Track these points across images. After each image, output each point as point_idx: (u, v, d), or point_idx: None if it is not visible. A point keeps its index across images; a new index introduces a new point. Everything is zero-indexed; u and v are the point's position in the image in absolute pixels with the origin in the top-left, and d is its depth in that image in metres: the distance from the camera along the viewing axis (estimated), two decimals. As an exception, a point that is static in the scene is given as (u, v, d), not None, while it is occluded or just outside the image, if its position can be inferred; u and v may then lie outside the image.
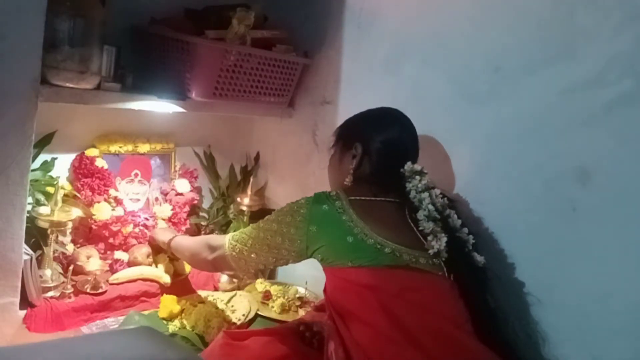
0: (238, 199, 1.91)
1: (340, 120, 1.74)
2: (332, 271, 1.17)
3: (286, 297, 1.69)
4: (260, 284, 1.77)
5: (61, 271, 1.48)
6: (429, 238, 1.15)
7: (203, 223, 1.93)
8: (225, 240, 1.31)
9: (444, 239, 1.14)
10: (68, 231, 1.51)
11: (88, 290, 1.47)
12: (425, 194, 1.20)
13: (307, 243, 1.17)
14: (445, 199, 1.23)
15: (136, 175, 1.75)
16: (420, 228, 1.16)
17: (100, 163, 1.64)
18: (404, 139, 1.29)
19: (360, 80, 1.69)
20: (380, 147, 1.26)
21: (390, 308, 1.08)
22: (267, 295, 1.70)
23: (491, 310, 1.19)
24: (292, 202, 1.24)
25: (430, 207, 1.18)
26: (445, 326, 1.07)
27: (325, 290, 1.23)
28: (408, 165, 1.24)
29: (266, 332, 1.31)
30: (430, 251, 1.13)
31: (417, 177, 1.22)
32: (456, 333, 1.07)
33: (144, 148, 1.78)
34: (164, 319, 1.49)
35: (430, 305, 1.09)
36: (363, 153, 1.27)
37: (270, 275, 1.93)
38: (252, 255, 1.24)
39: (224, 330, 1.33)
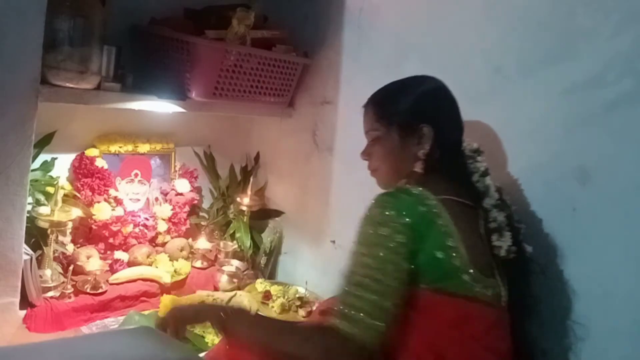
0: (238, 199, 1.91)
1: (340, 120, 1.76)
2: None
3: (286, 297, 1.69)
4: (260, 284, 1.77)
5: (61, 271, 1.48)
6: (494, 237, 1.03)
7: (203, 223, 1.93)
8: (335, 320, 0.91)
9: (509, 236, 1.04)
10: (68, 231, 1.51)
11: (88, 290, 1.48)
12: (489, 178, 1.07)
13: (412, 257, 0.94)
14: (498, 184, 1.12)
15: (136, 175, 1.75)
16: (490, 226, 1.03)
17: (100, 163, 1.64)
18: (459, 113, 1.14)
19: (360, 80, 1.69)
20: (450, 125, 1.11)
21: (439, 346, 0.94)
22: (267, 296, 1.70)
23: (531, 342, 1.11)
24: (371, 215, 0.97)
25: (496, 195, 1.06)
26: (489, 358, 0.97)
27: None
28: (468, 143, 1.11)
29: None
30: (497, 251, 1.03)
31: (479, 157, 1.10)
32: None
33: (144, 148, 1.78)
34: (164, 319, 1.49)
35: (481, 340, 0.96)
36: (435, 136, 1.07)
37: (270, 276, 1.94)
38: (388, 304, 0.90)
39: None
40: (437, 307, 0.95)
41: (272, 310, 1.64)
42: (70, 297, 1.43)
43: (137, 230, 1.70)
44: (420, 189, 0.99)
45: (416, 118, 1.10)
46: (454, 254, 0.95)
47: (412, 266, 0.93)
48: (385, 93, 1.18)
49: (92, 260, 1.54)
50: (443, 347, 0.94)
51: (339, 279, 0.96)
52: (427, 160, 1.08)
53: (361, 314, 0.89)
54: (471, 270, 0.95)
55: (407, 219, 0.94)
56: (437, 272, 0.95)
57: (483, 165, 1.11)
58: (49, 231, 1.42)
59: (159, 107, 1.56)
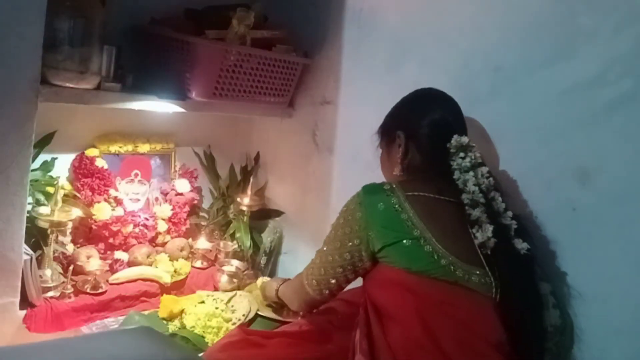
0: (238, 199, 1.91)
1: (340, 120, 1.76)
2: (378, 266, 1.14)
3: None
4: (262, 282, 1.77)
5: (61, 271, 1.48)
6: (474, 229, 1.09)
7: (203, 223, 1.93)
8: (303, 281, 1.24)
9: (490, 229, 1.07)
10: (68, 231, 1.52)
11: (88, 290, 1.47)
12: (470, 175, 1.12)
13: (372, 248, 1.11)
14: (491, 179, 1.14)
15: (136, 175, 1.75)
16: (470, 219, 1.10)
17: (100, 163, 1.64)
18: (446, 116, 1.20)
19: (360, 80, 1.69)
20: (423, 128, 1.19)
21: (428, 317, 1.04)
22: None
23: (541, 332, 1.12)
24: (344, 209, 1.17)
25: (474, 188, 1.10)
26: (480, 345, 1.02)
27: (364, 281, 1.19)
28: (455, 139, 1.15)
29: (284, 334, 1.29)
30: (476, 242, 1.08)
31: (462, 154, 1.14)
32: (490, 352, 1.02)
33: (144, 148, 1.78)
34: (164, 319, 1.49)
35: (468, 323, 1.04)
36: (407, 139, 1.20)
37: (271, 276, 1.94)
38: (332, 281, 1.18)
39: (239, 326, 1.34)
40: (423, 287, 1.06)
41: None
42: (70, 297, 1.43)
43: (137, 230, 1.70)
44: (391, 186, 1.14)
45: (392, 126, 1.26)
46: (423, 242, 1.06)
47: (361, 253, 1.12)
48: (388, 113, 1.31)
49: (92, 260, 1.54)
50: (430, 321, 1.03)
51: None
52: (406, 163, 1.20)
53: (314, 280, 1.20)
54: (447, 256, 1.05)
55: (360, 214, 1.12)
56: (411, 257, 1.06)
57: (466, 161, 1.13)
58: (49, 231, 1.42)
59: (159, 107, 1.56)
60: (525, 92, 1.28)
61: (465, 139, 1.15)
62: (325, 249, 1.19)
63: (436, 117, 1.20)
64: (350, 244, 1.13)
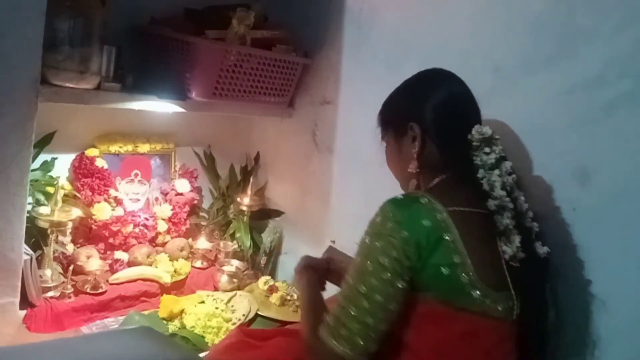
0: (238, 199, 1.91)
1: (340, 120, 1.76)
2: None
3: (286, 292, 1.72)
4: (265, 283, 1.77)
5: (61, 271, 1.48)
6: (500, 242, 0.96)
7: (203, 223, 1.93)
8: (329, 347, 0.92)
9: (517, 240, 0.96)
10: (68, 231, 1.52)
11: (88, 290, 1.48)
12: (496, 174, 0.98)
13: (412, 275, 0.92)
14: (514, 175, 1.02)
15: (136, 175, 1.75)
16: (497, 230, 0.96)
17: (100, 163, 1.64)
18: (457, 95, 1.07)
19: (360, 80, 1.69)
20: (436, 115, 1.03)
21: (448, 351, 0.93)
22: (271, 289, 1.73)
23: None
24: (374, 233, 0.94)
25: (502, 192, 0.96)
26: None
27: None
28: (476, 130, 1.01)
29: (284, 332, 1.28)
30: (504, 256, 0.96)
31: (486, 149, 1.00)
32: None
33: (144, 148, 1.78)
34: (164, 319, 1.49)
35: (488, 354, 0.94)
36: (422, 131, 1.04)
37: (270, 276, 1.93)
38: (381, 328, 0.91)
39: (238, 327, 1.33)
40: (447, 319, 0.93)
41: (273, 302, 1.67)
42: (70, 297, 1.43)
43: (137, 230, 1.70)
44: (429, 199, 0.95)
45: (402, 116, 1.09)
46: (461, 271, 0.91)
47: (407, 281, 0.91)
48: (387, 98, 1.17)
49: (92, 260, 1.54)
50: (450, 355, 0.93)
51: (343, 282, 0.97)
52: (422, 159, 1.05)
53: (346, 331, 0.91)
54: (481, 286, 0.92)
55: (406, 233, 0.91)
56: (443, 288, 0.92)
57: (491, 157, 1.00)
58: (49, 231, 1.42)
59: (159, 107, 1.56)
60: (525, 92, 1.28)
61: (488, 130, 1.01)
62: (351, 282, 0.94)
63: (457, 103, 1.06)
64: (390, 275, 0.90)
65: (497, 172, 0.99)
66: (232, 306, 1.60)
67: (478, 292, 0.92)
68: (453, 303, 0.92)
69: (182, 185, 1.86)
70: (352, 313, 0.91)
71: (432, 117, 1.04)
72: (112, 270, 1.59)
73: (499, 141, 1.02)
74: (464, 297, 0.92)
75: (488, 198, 0.98)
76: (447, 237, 0.91)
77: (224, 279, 1.75)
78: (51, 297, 1.41)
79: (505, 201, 0.97)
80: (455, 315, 0.93)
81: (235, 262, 1.84)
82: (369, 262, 0.92)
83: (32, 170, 1.38)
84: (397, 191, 1.53)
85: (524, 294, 0.99)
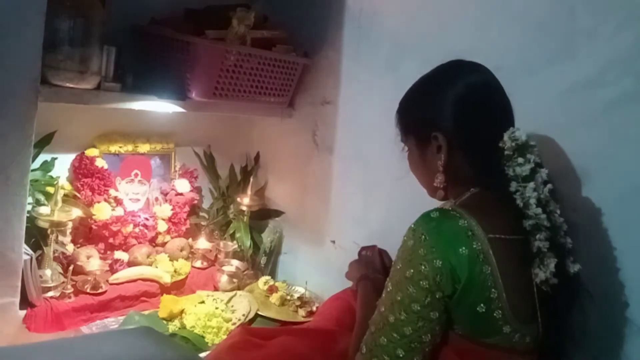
0: (238, 199, 1.91)
1: (340, 120, 1.76)
2: None
3: (286, 292, 1.73)
4: (265, 283, 1.78)
5: (61, 271, 1.48)
6: (534, 265, 0.89)
7: (203, 223, 1.93)
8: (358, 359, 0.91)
9: (552, 264, 0.87)
10: (68, 231, 1.51)
11: (88, 290, 1.48)
12: (530, 187, 0.88)
13: (445, 305, 0.86)
14: (550, 185, 0.92)
15: (136, 175, 1.75)
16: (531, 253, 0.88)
17: (100, 163, 1.64)
18: (476, 86, 0.97)
19: (360, 80, 1.69)
20: (458, 117, 0.94)
21: None
22: (271, 289, 1.73)
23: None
24: (407, 256, 0.87)
25: (538, 210, 0.87)
26: None
27: None
28: (509, 136, 0.91)
29: (288, 331, 1.28)
30: (535, 280, 0.89)
31: (520, 159, 0.90)
32: None
33: (144, 148, 1.78)
34: (164, 319, 1.49)
35: None
36: (448, 142, 0.95)
37: (270, 276, 1.93)
38: (399, 353, 0.86)
39: (241, 326, 1.33)
40: (474, 354, 0.89)
41: (273, 302, 1.68)
42: (70, 297, 1.43)
43: (137, 230, 1.70)
44: (468, 220, 0.86)
45: (424, 124, 1.00)
46: (495, 306, 0.85)
47: (442, 310, 0.85)
48: (404, 96, 1.07)
49: (92, 260, 1.54)
50: None
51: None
52: (449, 172, 0.97)
53: None
54: (512, 322, 0.87)
55: (440, 262, 0.83)
56: (475, 325, 0.87)
57: (525, 168, 0.90)
58: (49, 231, 1.42)
59: (159, 107, 1.56)
60: (525, 92, 1.28)
61: (522, 135, 0.91)
62: (384, 322, 0.88)
63: (490, 111, 0.96)
64: (420, 307, 0.85)
65: (532, 184, 0.89)
66: (232, 306, 1.60)
67: (509, 328, 0.86)
68: (483, 340, 0.87)
69: (182, 185, 1.86)
70: (383, 343, 0.87)
71: (454, 121, 0.95)
72: (112, 270, 1.59)
73: (534, 148, 0.93)
74: (495, 335, 0.86)
75: (522, 217, 0.90)
76: (485, 270, 0.84)
77: (224, 279, 1.75)
78: (51, 297, 1.41)
79: (541, 219, 0.88)
80: (482, 350, 0.88)
81: (235, 262, 1.84)
82: (399, 292, 0.87)
83: (32, 170, 1.38)
84: (397, 191, 1.54)
85: (548, 322, 0.94)
